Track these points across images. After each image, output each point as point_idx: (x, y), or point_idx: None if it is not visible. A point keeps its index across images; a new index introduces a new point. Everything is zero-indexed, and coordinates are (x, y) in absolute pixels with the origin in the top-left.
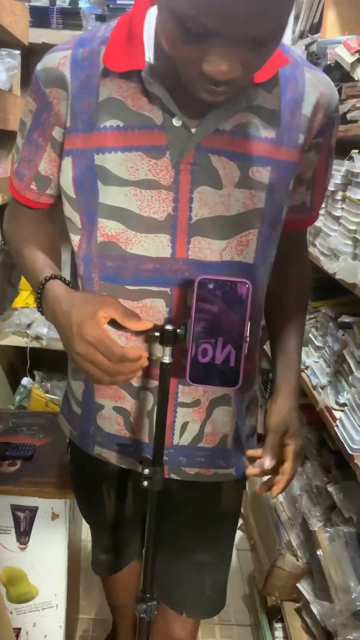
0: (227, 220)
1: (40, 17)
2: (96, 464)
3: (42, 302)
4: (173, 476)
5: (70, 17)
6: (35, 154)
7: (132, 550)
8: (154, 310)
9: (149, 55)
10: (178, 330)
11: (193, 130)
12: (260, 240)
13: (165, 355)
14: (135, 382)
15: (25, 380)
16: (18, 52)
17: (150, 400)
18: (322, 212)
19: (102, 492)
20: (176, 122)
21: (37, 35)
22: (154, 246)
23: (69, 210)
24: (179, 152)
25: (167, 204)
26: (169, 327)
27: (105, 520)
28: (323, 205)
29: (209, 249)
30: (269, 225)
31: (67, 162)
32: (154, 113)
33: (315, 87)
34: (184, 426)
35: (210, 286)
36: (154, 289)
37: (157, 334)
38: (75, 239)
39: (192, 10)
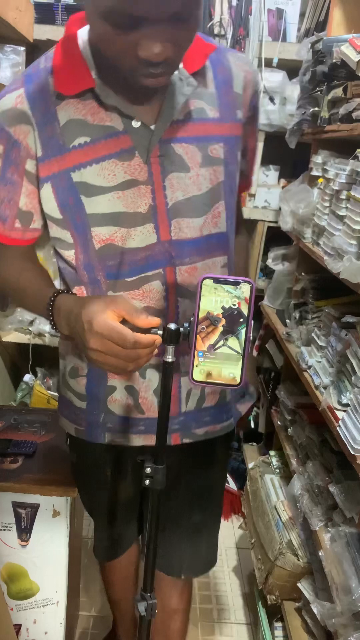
0: (199, 199)
1: (45, 14)
2: (100, 451)
3: (54, 317)
4: (185, 440)
5: (75, 14)
6: (13, 192)
7: (132, 532)
8: (153, 292)
9: (93, 71)
10: (181, 329)
11: (152, 127)
12: (227, 209)
13: (168, 354)
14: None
15: (27, 377)
16: (23, 48)
17: (157, 378)
18: (326, 211)
19: (106, 477)
20: (135, 124)
21: (42, 32)
22: (143, 237)
23: (57, 231)
24: (146, 149)
25: (147, 197)
26: (172, 326)
27: (108, 505)
28: (327, 205)
29: (188, 228)
30: (230, 195)
31: (47, 189)
32: (114, 121)
33: (240, 66)
34: (188, 393)
35: (213, 287)
36: (149, 273)
37: (160, 332)
38: (68, 254)
39: (115, 4)
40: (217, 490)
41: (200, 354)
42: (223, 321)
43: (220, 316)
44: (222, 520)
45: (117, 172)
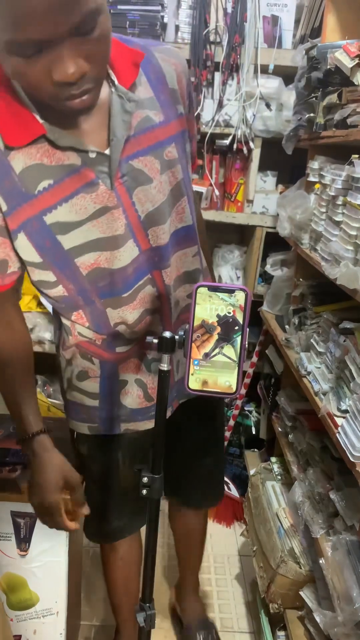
0: (166, 203)
1: None
2: (110, 440)
3: (25, 446)
4: (182, 401)
5: None
6: None
7: (137, 520)
8: (148, 296)
9: (37, 115)
10: (176, 337)
11: (107, 152)
12: (189, 202)
13: (163, 362)
14: (150, 355)
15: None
16: None
17: None
18: (322, 216)
19: (116, 462)
20: (92, 155)
21: None
22: (127, 254)
23: (39, 274)
24: (108, 175)
25: (120, 219)
26: (167, 334)
27: (116, 489)
28: (324, 210)
29: (163, 233)
30: (188, 186)
31: (22, 238)
32: (71, 158)
33: (167, 61)
34: (178, 364)
35: (208, 295)
36: (140, 282)
37: (155, 340)
38: (54, 291)
39: (12, 34)
40: (219, 431)
41: (196, 362)
42: (218, 329)
43: (216, 324)
44: (224, 528)
45: (87, 204)
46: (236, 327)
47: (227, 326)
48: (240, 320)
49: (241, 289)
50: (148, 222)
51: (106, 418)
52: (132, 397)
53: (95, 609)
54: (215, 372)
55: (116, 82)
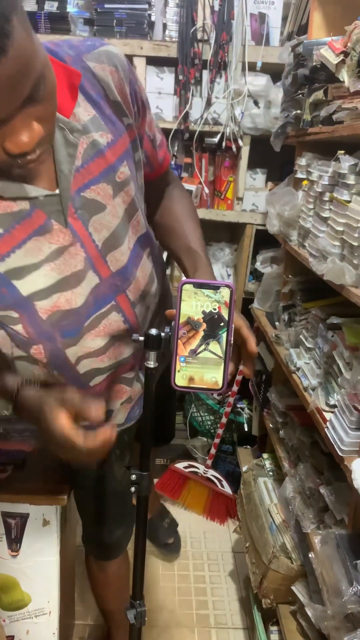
0: (120, 225)
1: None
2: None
3: (17, 412)
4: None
5: (59, 22)
6: None
7: (128, 530)
8: (113, 324)
9: None
10: (162, 334)
11: (57, 191)
12: (142, 211)
13: (150, 359)
14: (130, 374)
15: None
16: None
17: (132, 372)
18: (310, 213)
19: (106, 480)
20: (41, 198)
21: None
22: (86, 286)
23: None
24: (61, 213)
25: (79, 254)
26: (153, 331)
27: (105, 501)
28: (311, 207)
29: (122, 255)
30: (140, 197)
31: None
32: (20, 204)
33: (103, 69)
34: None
35: (193, 291)
36: (103, 310)
37: (141, 338)
38: (17, 328)
39: None
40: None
41: (182, 359)
42: (204, 325)
43: (201, 320)
44: (217, 525)
45: (43, 246)
46: (222, 324)
47: (212, 322)
48: (226, 316)
49: (226, 285)
50: (106, 249)
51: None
52: (122, 413)
53: (90, 608)
54: (202, 368)
55: (58, 114)
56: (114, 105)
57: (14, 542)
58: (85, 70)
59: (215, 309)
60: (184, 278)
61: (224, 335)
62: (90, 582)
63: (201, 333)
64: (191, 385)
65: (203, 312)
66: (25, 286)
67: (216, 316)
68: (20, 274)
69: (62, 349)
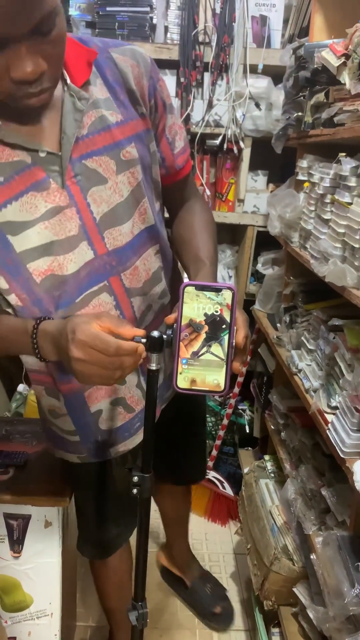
0: (124, 204)
1: None
2: (100, 463)
3: (38, 342)
4: (163, 407)
5: None
6: None
7: (126, 529)
8: (103, 304)
9: None
10: (164, 337)
11: (59, 152)
12: (151, 202)
13: (152, 361)
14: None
15: (21, 387)
16: None
17: (135, 376)
18: (311, 215)
19: (101, 473)
20: (42, 154)
21: None
22: (80, 257)
23: None
24: (59, 174)
25: (74, 219)
26: (155, 333)
27: (105, 500)
28: (313, 209)
29: (120, 235)
30: (150, 188)
31: None
32: (21, 157)
33: (124, 61)
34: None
35: (195, 294)
36: (95, 288)
37: (143, 340)
38: (10, 299)
39: None
40: (202, 415)
41: (184, 361)
42: (206, 328)
43: (203, 323)
44: (219, 526)
45: (38, 203)
46: (224, 326)
47: (214, 325)
48: (228, 318)
49: (228, 288)
50: (104, 224)
51: (93, 448)
52: (113, 419)
53: (91, 609)
54: (204, 370)
55: (68, 80)
56: (129, 92)
57: (16, 543)
58: (108, 59)
59: (217, 311)
60: (186, 280)
61: (226, 337)
62: (92, 576)
63: (203, 335)
64: (193, 388)
65: (205, 314)
66: (19, 243)
67: (218, 318)
68: (15, 229)
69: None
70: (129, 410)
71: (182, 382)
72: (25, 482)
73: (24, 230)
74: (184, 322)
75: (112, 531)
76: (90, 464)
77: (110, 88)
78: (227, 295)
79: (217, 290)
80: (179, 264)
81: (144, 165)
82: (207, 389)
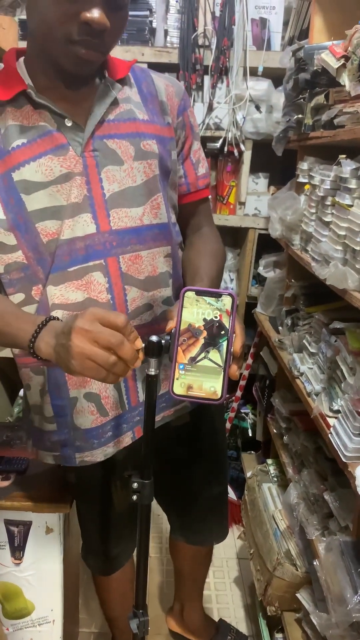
0: (135, 190)
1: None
2: (93, 468)
3: (40, 333)
4: (164, 414)
5: None
6: None
7: (130, 546)
8: (94, 283)
9: (26, 79)
10: (163, 342)
11: (83, 126)
12: (165, 201)
13: (151, 367)
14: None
15: (23, 392)
16: None
17: None
18: (312, 217)
19: (102, 492)
20: (68, 123)
21: None
22: (80, 226)
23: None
24: (79, 144)
25: (82, 187)
26: (154, 338)
27: (106, 519)
28: (313, 211)
29: (127, 217)
30: (165, 188)
31: None
32: (47, 121)
33: (161, 81)
34: (144, 381)
35: (195, 299)
36: (90, 264)
37: (142, 345)
38: (15, 256)
39: None
40: (223, 466)
41: (182, 366)
42: (204, 333)
43: (202, 328)
44: None
45: (54, 166)
46: (222, 332)
47: (213, 330)
48: (227, 324)
49: (228, 294)
50: (112, 203)
51: (63, 443)
52: (85, 416)
53: (94, 616)
54: (201, 377)
55: (106, 74)
56: (160, 103)
57: (17, 550)
58: (146, 76)
59: (216, 317)
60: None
61: (224, 343)
62: (94, 586)
63: (201, 341)
64: (190, 394)
65: (204, 319)
66: (30, 202)
67: (217, 324)
68: (28, 188)
69: (46, 285)
70: (102, 412)
71: (179, 388)
72: (26, 488)
73: (37, 190)
74: (183, 326)
75: (114, 550)
76: (90, 479)
77: (143, 96)
78: (226, 301)
79: (217, 296)
80: None
81: (163, 165)
82: (203, 395)
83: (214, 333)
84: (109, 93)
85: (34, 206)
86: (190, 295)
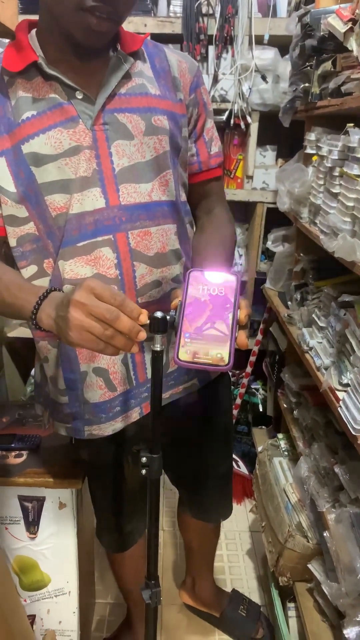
0: (145, 165)
1: (29, 3)
2: (103, 443)
3: (41, 305)
4: (173, 392)
5: None
6: None
7: (142, 523)
8: (103, 259)
9: (38, 51)
10: (168, 317)
11: (94, 99)
12: (175, 178)
13: (156, 342)
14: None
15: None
16: (7, 40)
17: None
18: (320, 189)
19: (114, 469)
20: (78, 95)
21: None
22: (89, 201)
23: (10, 207)
24: (89, 117)
25: (91, 161)
26: (158, 314)
27: (118, 496)
28: (322, 183)
29: (136, 193)
30: (175, 165)
31: (2, 163)
32: (57, 93)
33: (175, 57)
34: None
35: (201, 277)
36: (99, 239)
37: (147, 321)
38: (27, 228)
39: None
40: (229, 446)
41: (187, 335)
42: (210, 306)
43: (208, 302)
44: (234, 505)
45: (63, 139)
46: (227, 305)
47: (219, 304)
48: (232, 299)
49: (233, 274)
50: (122, 177)
51: (75, 415)
52: (93, 390)
53: (109, 587)
54: (207, 344)
55: (118, 47)
56: (172, 79)
57: (32, 524)
58: (159, 51)
59: (222, 293)
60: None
61: (230, 315)
62: (109, 562)
63: (207, 312)
64: (195, 360)
65: (209, 294)
66: (40, 174)
67: (222, 299)
68: (38, 161)
69: (57, 259)
70: (110, 387)
71: (184, 355)
72: (38, 465)
73: (46, 163)
74: (189, 300)
75: (127, 526)
76: (101, 455)
77: (156, 71)
78: (231, 280)
79: (223, 276)
80: None
81: (173, 141)
82: (210, 362)
83: (219, 306)
84: (121, 66)
85: (44, 178)
86: (196, 274)
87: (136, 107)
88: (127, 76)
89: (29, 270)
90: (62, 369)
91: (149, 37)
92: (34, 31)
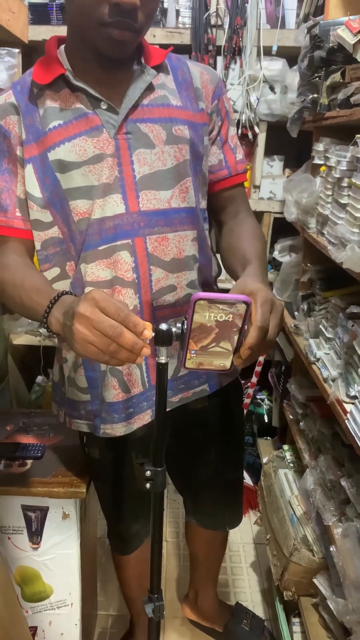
0: (165, 173)
1: (39, 14)
2: (117, 443)
3: (52, 308)
4: (179, 398)
5: None
6: (10, 181)
7: (147, 526)
8: (121, 262)
9: (65, 64)
10: (173, 329)
11: (118, 109)
12: (195, 186)
13: (161, 355)
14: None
15: (40, 379)
16: (17, 50)
17: None
18: (328, 199)
19: (123, 469)
20: (103, 105)
21: (38, 33)
22: (110, 206)
23: (36, 212)
24: (113, 126)
25: (113, 169)
26: (163, 326)
27: (125, 497)
28: (330, 193)
29: (156, 199)
30: (196, 174)
31: (29, 169)
32: (83, 104)
33: (197, 69)
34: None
35: (206, 306)
36: (118, 243)
37: (152, 334)
38: (51, 232)
39: None
40: (240, 453)
41: (193, 352)
42: (216, 330)
43: (214, 326)
44: None
45: (87, 147)
46: (234, 329)
47: (225, 328)
48: (239, 324)
49: (243, 302)
50: (142, 185)
51: (95, 413)
52: (109, 389)
53: (112, 599)
54: (211, 357)
55: (142, 61)
56: (194, 90)
57: (35, 535)
58: (182, 64)
59: (229, 319)
60: (197, 293)
61: (236, 337)
62: (114, 566)
63: (213, 335)
64: (200, 368)
65: (216, 321)
66: (65, 180)
67: (230, 323)
68: (63, 168)
69: (80, 263)
70: (123, 388)
71: (190, 364)
72: (42, 474)
73: (71, 170)
74: (194, 326)
75: (132, 528)
76: (111, 457)
77: (178, 83)
78: (240, 308)
79: (231, 303)
80: (217, 279)
81: (194, 150)
82: (213, 368)
83: (225, 329)
84: (144, 78)
85: (68, 184)
86: (202, 303)
87: (158, 118)
88: (150, 88)
89: (51, 273)
90: (84, 368)
91: (171, 51)
92: (62, 47)
